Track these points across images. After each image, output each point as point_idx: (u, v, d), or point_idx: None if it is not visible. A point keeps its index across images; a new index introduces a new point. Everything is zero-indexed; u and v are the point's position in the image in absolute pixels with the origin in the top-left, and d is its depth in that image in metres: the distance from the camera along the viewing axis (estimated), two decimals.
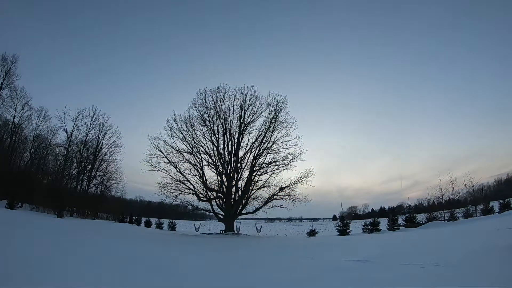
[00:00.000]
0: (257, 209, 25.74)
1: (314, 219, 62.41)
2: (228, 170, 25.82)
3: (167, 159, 25.43)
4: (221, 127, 26.09)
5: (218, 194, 26.08)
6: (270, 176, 25.74)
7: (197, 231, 26.50)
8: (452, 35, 76.37)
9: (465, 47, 75.26)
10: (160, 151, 25.39)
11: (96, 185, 36.54)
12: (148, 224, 30.56)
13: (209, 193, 26.18)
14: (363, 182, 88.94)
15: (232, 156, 26.05)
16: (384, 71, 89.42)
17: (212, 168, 26.24)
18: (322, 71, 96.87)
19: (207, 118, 26.14)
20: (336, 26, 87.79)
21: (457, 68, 79.27)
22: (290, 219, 66.23)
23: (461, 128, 78.04)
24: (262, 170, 25.98)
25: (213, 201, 26.01)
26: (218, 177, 26.07)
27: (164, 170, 25.31)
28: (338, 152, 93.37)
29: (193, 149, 25.98)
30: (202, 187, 25.96)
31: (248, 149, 26.29)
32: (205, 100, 26.19)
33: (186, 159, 25.89)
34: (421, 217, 23.65)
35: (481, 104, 78.96)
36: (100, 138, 35.31)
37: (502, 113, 74.25)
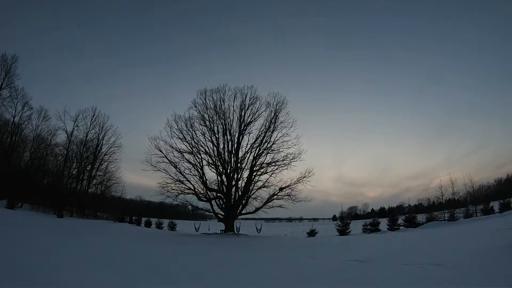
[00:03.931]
0: (257, 209, 25.76)
1: (314, 219, 62.34)
2: (228, 170, 25.82)
3: (167, 159, 25.48)
4: (221, 127, 26.14)
5: (218, 194, 26.08)
6: (270, 176, 25.81)
7: (197, 231, 26.49)
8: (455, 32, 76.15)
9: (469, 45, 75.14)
10: (160, 151, 25.45)
11: (96, 185, 36.58)
12: (148, 224, 30.56)
13: (209, 193, 26.20)
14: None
15: (232, 156, 26.07)
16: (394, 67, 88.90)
17: (212, 168, 26.30)
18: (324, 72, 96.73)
19: (207, 118, 26.21)
20: (337, 26, 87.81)
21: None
22: (290, 219, 66.21)
23: None
24: (262, 170, 26.03)
25: (213, 201, 26.03)
26: (218, 177, 26.10)
27: (164, 170, 25.36)
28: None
29: (193, 149, 26.04)
30: (202, 187, 26.00)
31: (248, 149, 26.35)
32: (205, 100, 26.26)
33: (186, 159, 25.94)
34: (421, 217, 23.60)
35: None
36: (100, 138, 35.38)
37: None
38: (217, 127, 26.14)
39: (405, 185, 79.07)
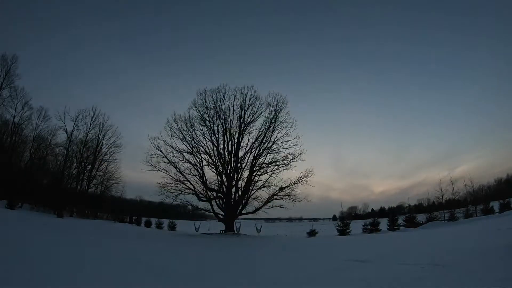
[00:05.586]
0: (257, 209, 25.71)
1: (314, 219, 62.35)
2: (228, 170, 25.79)
3: (167, 159, 25.41)
4: (221, 127, 26.09)
5: (218, 194, 26.06)
6: (270, 176, 25.73)
7: (197, 231, 26.48)
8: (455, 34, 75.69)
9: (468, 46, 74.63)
10: (160, 151, 25.36)
11: (96, 185, 36.64)
12: (148, 224, 30.57)
13: (209, 193, 26.16)
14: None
15: (232, 156, 26.04)
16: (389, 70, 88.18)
17: (212, 168, 26.25)
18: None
19: (207, 118, 26.15)
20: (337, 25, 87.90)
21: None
22: (290, 219, 66.15)
23: None
24: (262, 170, 25.96)
25: (213, 201, 26.00)
26: (218, 177, 26.04)
27: (164, 170, 25.27)
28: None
29: (193, 149, 25.98)
30: (202, 187, 25.96)
31: (248, 149, 26.30)
32: (205, 100, 26.20)
33: (186, 159, 25.89)
34: (421, 217, 23.64)
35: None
36: (100, 138, 35.42)
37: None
38: (217, 127, 26.14)
39: (420, 176, 76.15)
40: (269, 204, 25.37)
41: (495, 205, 22.70)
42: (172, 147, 25.59)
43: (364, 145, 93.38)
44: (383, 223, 23.10)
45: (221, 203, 25.88)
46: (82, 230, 16.52)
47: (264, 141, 25.90)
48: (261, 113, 26.09)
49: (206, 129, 26.12)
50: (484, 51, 74.19)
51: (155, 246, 13.04)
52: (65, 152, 33.93)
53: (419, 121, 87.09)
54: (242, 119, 26.04)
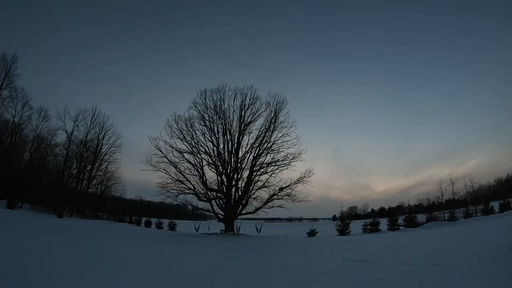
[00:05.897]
0: (257, 209, 25.74)
1: (314, 219, 62.44)
2: (228, 170, 25.81)
3: (167, 159, 25.45)
4: (221, 127, 26.12)
5: (218, 194, 26.08)
6: (270, 176, 25.75)
7: (197, 231, 26.47)
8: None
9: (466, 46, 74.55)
10: (160, 151, 25.40)
11: (96, 185, 36.70)
12: (148, 224, 30.53)
13: (209, 193, 26.19)
14: None
15: (232, 156, 26.06)
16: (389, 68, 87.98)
17: (212, 168, 26.28)
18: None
19: (207, 118, 26.19)
20: (335, 27, 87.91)
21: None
22: (290, 219, 66.18)
23: None
24: (262, 170, 25.99)
25: (213, 201, 26.02)
26: (218, 177, 26.07)
27: (164, 170, 25.32)
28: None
29: (193, 149, 26.02)
30: (202, 187, 25.99)
31: (248, 149, 26.33)
32: (205, 100, 26.24)
33: (186, 159, 25.93)
34: (421, 217, 23.58)
35: None
36: (100, 138, 35.53)
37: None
38: (217, 127, 26.16)
39: (422, 175, 75.53)
40: (269, 204, 25.43)
41: (495, 205, 22.66)
42: (172, 147, 25.66)
43: (365, 144, 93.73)
44: (383, 223, 23.05)
45: (221, 203, 25.89)
46: (82, 230, 16.53)
47: (264, 141, 25.96)
48: (261, 113, 26.19)
49: (206, 129, 26.20)
50: (486, 53, 74.38)
51: (156, 246, 13.03)
52: (65, 152, 34.06)
53: (420, 121, 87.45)
54: (242, 119, 26.10)
